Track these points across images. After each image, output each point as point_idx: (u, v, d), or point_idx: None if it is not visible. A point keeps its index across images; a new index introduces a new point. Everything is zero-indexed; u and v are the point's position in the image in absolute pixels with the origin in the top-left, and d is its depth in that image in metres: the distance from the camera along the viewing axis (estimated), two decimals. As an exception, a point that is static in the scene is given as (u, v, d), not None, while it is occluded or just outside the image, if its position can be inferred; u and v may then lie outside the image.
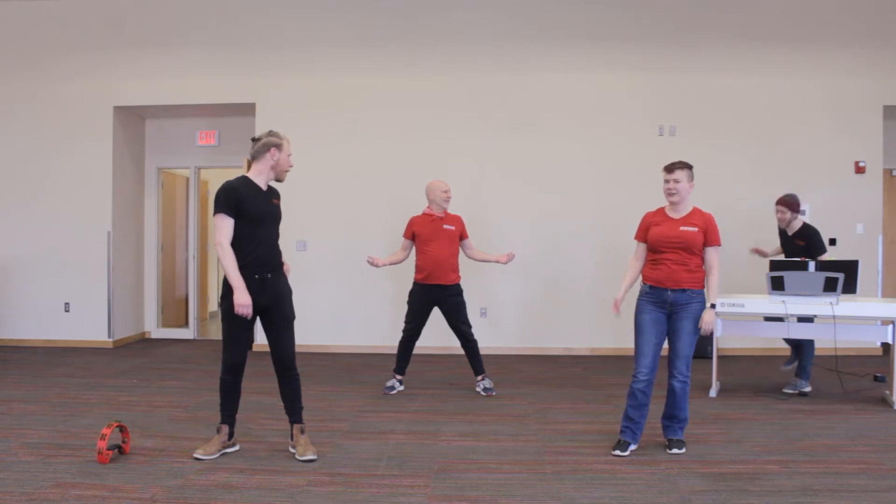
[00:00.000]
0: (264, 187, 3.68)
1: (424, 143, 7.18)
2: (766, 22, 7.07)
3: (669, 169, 3.87)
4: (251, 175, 3.67)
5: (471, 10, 7.19)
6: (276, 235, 3.75)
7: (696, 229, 3.78)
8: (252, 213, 3.54)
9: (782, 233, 5.68)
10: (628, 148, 7.10)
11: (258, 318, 3.69)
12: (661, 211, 3.94)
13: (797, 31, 7.06)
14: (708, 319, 3.78)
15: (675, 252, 3.77)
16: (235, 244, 3.53)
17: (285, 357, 3.68)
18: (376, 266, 5.20)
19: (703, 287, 3.83)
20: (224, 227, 3.50)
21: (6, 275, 7.46)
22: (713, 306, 3.83)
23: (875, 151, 7.02)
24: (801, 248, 5.43)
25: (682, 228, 3.79)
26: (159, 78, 7.34)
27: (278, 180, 3.73)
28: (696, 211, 3.87)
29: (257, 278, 3.56)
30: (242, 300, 3.45)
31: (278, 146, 3.66)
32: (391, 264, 5.37)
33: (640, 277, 3.96)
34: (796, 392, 5.26)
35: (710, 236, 3.80)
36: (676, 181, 3.81)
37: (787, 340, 5.59)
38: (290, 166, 3.75)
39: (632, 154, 7.10)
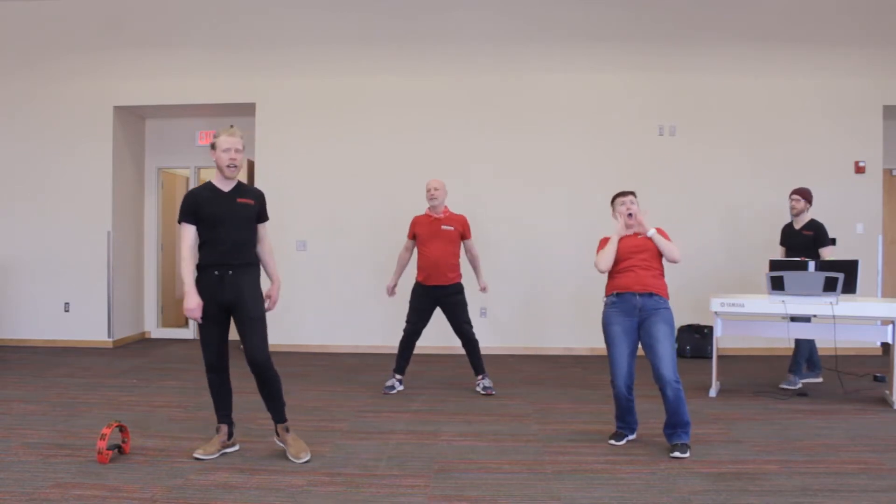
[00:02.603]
0: (226, 189, 3.66)
1: (424, 143, 7.18)
2: (766, 22, 7.07)
3: (623, 194, 4.08)
4: (214, 179, 3.72)
5: (471, 10, 7.19)
6: (246, 234, 3.65)
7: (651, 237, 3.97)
8: (208, 215, 3.58)
9: (787, 229, 5.73)
10: (628, 148, 7.10)
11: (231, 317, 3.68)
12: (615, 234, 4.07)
13: (797, 31, 7.06)
14: (636, 211, 3.97)
15: (639, 257, 3.90)
16: (200, 246, 3.62)
17: (253, 356, 3.56)
18: (393, 294, 5.45)
19: (668, 297, 3.93)
20: (184, 234, 3.60)
21: (6, 275, 7.46)
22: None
23: (875, 151, 7.02)
24: (808, 238, 5.53)
25: (639, 237, 3.98)
26: (159, 78, 7.34)
27: (227, 177, 3.66)
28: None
29: (217, 274, 3.57)
30: (188, 304, 3.52)
31: (213, 145, 3.67)
32: (400, 273, 5.43)
33: (605, 289, 4.04)
34: (797, 387, 5.34)
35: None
36: (633, 203, 4.03)
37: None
38: (229, 161, 3.62)
39: (632, 154, 7.10)
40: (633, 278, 3.87)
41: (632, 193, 4.09)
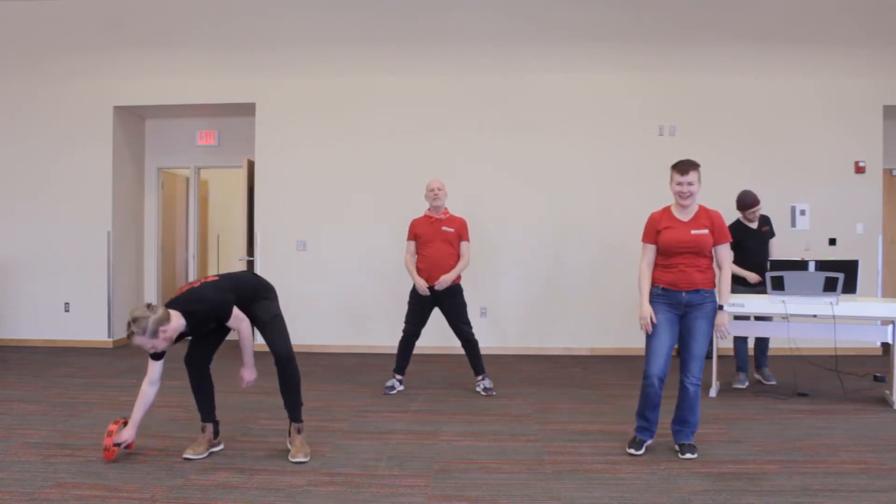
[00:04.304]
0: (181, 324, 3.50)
1: (424, 143, 7.18)
2: (766, 22, 7.07)
3: (683, 170, 3.72)
4: None
5: (471, 10, 7.19)
6: (223, 334, 3.78)
7: (706, 231, 3.72)
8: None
9: (742, 230, 5.57)
10: (628, 148, 7.10)
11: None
12: (667, 212, 3.83)
13: (797, 31, 7.06)
14: (719, 322, 3.77)
15: (687, 256, 3.71)
16: None
17: (274, 351, 3.71)
18: (426, 291, 5.18)
19: (715, 286, 3.80)
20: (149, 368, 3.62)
21: (6, 275, 7.46)
22: (721, 307, 3.79)
23: (875, 151, 7.02)
24: (767, 233, 5.65)
25: (693, 232, 3.71)
26: (159, 78, 7.34)
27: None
28: (702, 210, 3.79)
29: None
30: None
31: None
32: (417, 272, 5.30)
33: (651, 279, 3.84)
34: (771, 382, 5.55)
35: (717, 235, 3.75)
36: (690, 184, 3.70)
37: (739, 355, 5.64)
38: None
39: (632, 154, 7.10)
40: (680, 276, 3.70)
41: (694, 169, 3.73)
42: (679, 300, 3.72)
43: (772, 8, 7.09)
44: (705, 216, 3.77)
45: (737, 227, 5.57)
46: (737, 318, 5.31)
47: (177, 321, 3.40)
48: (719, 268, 3.80)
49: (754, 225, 5.62)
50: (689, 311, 3.73)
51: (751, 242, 5.57)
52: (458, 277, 5.26)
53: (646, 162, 7.05)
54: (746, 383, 5.51)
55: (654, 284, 3.80)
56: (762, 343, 5.71)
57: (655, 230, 3.80)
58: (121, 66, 7.36)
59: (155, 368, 3.57)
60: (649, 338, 3.76)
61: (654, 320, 3.72)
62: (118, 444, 3.58)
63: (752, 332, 5.43)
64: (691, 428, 3.80)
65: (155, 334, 3.31)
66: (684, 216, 3.77)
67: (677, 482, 3.33)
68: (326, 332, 7.25)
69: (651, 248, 3.83)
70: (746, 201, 5.55)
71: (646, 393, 3.75)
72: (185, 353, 3.73)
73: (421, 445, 3.94)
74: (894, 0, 7.04)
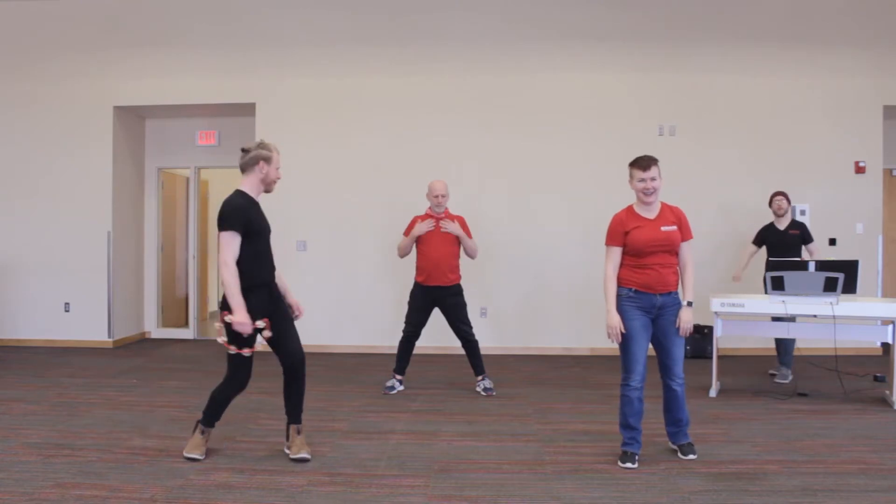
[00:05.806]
0: (258, 199, 3.68)
1: (424, 143, 7.18)
2: (766, 22, 7.07)
3: (644, 166, 3.60)
4: (246, 189, 3.60)
5: (471, 10, 7.19)
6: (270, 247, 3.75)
7: (675, 228, 3.65)
8: (257, 229, 3.53)
9: (770, 230, 5.91)
10: (628, 148, 7.07)
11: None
12: (631, 211, 3.70)
13: (797, 31, 7.06)
14: (686, 318, 3.63)
15: (660, 255, 3.61)
16: (244, 260, 3.47)
17: (299, 354, 3.66)
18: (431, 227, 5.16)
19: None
20: (233, 244, 3.43)
21: (6, 275, 7.46)
22: (690, 304, 3.68)
23: (875, 151, 7.03)
24: (796, 237, 5.82)
25: (663, 229, 3.63)
26: (159, 78, 7.34)
27: (267, 192, 3.66)
28: (665, 207, 3.71)
29: (268, 291, 3.60)
30: (242, 318, 3.39)
31: (267, 159, 3.58)
32: (407, 247, 5.27)
33: (618, 281, 3.70)
34: (787, 382, 5.58)
35: (683, 231, 3.68)
36: (654, 179, 3.58)
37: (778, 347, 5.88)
38: (279, 178, 3.67)
39: (632, 154, 7.04)
40: (657, 278, 3.59)
41: (654, 164, 3.62)
42: (653, 303, 3.62)
43: (772, 8, 7.09)
44: (670, 212, 3.70)
45: (767, 226, 5.96)
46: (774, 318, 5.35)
47: None
48: (683, 265, 3.73)
49: (781, 225, 5.85)
50: (662, 315, 3.64)
51: (773, 240, 5.86)
52: (459, 277, 5.25)
53: (646, 162, 7.04)
54: (790, 377, 5.64)
55: (624, 286, 3.65)
56: (786, 342, 5.74)
57: (622, 231, 3.65)
58: (121, 66, 7.36)
59: (238, 244, 3.45)
60: (627, 344, 3.60)
61: (623, 330, 3.58)
62: (245, 337, 3.46)
63: (753, 332, 5.43)
64: (685, 425, 3.78)
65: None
66: (650, 214, 3.67)
67: (677, 482, 3.34)
68: (327, 332, 7.24)
69: (617, 251, 3.67)
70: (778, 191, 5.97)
71: (630, 402, 3.63)
72: (240, 377, 3.61)
73: (421, 445, 3.94)
74: (894, 0, 7.04)
